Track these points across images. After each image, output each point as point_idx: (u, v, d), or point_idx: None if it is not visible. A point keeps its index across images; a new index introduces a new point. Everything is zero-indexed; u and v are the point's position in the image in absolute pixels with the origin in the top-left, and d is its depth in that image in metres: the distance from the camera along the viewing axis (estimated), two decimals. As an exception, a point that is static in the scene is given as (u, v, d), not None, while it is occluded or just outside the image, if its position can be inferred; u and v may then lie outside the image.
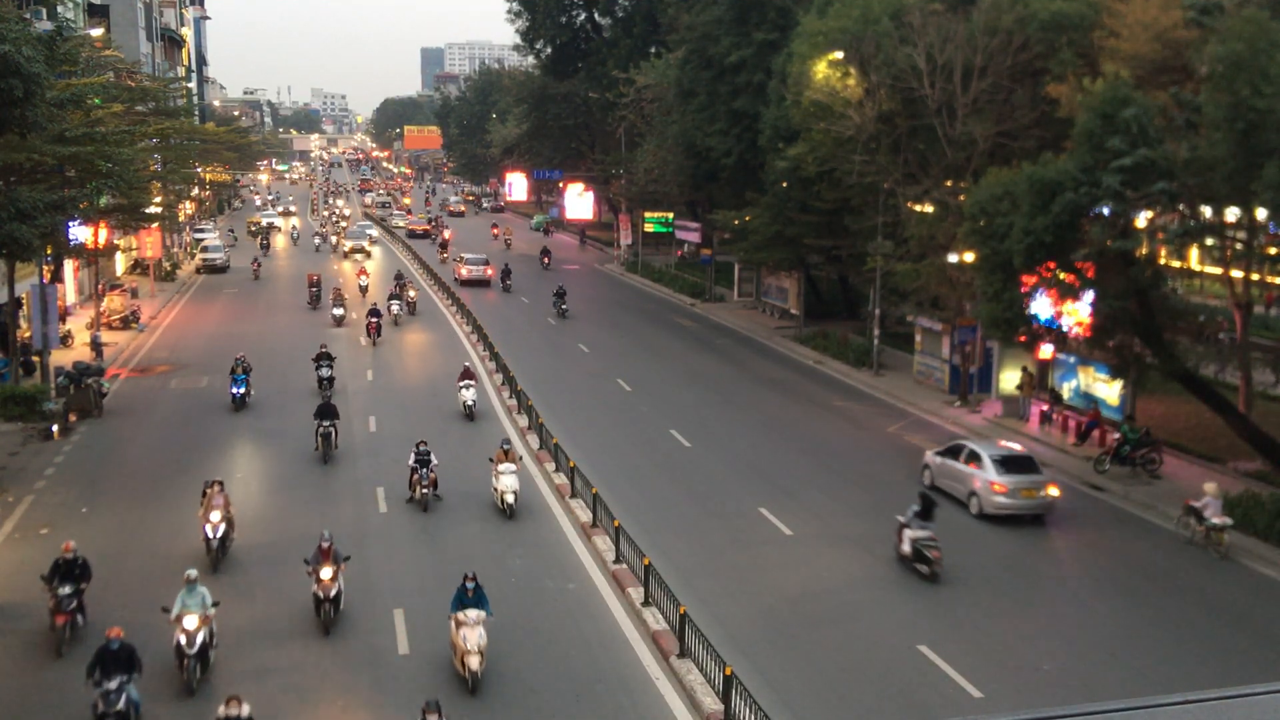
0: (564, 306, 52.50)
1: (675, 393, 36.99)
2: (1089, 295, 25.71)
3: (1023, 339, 28.89)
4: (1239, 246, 24.84)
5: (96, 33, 49.93)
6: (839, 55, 35.55)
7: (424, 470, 24.35)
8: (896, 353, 41.14)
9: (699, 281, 60.35)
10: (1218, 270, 26.89)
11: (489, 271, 63.71)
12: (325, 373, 34.55)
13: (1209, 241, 25.91)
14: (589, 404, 35.32)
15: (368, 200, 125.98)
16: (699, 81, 52.28)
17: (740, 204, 48.30)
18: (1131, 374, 27.76)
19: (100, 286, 48.54)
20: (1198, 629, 19.31)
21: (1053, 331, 28.06)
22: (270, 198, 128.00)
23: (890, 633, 18.68)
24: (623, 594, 19.85)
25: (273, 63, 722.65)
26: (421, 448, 24.64)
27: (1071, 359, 31.75)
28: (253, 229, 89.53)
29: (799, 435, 31.92)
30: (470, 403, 32.39)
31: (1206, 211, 24.90)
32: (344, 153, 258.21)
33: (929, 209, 34.74)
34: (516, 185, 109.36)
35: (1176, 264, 30.27)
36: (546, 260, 71.78)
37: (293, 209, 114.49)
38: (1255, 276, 25.68)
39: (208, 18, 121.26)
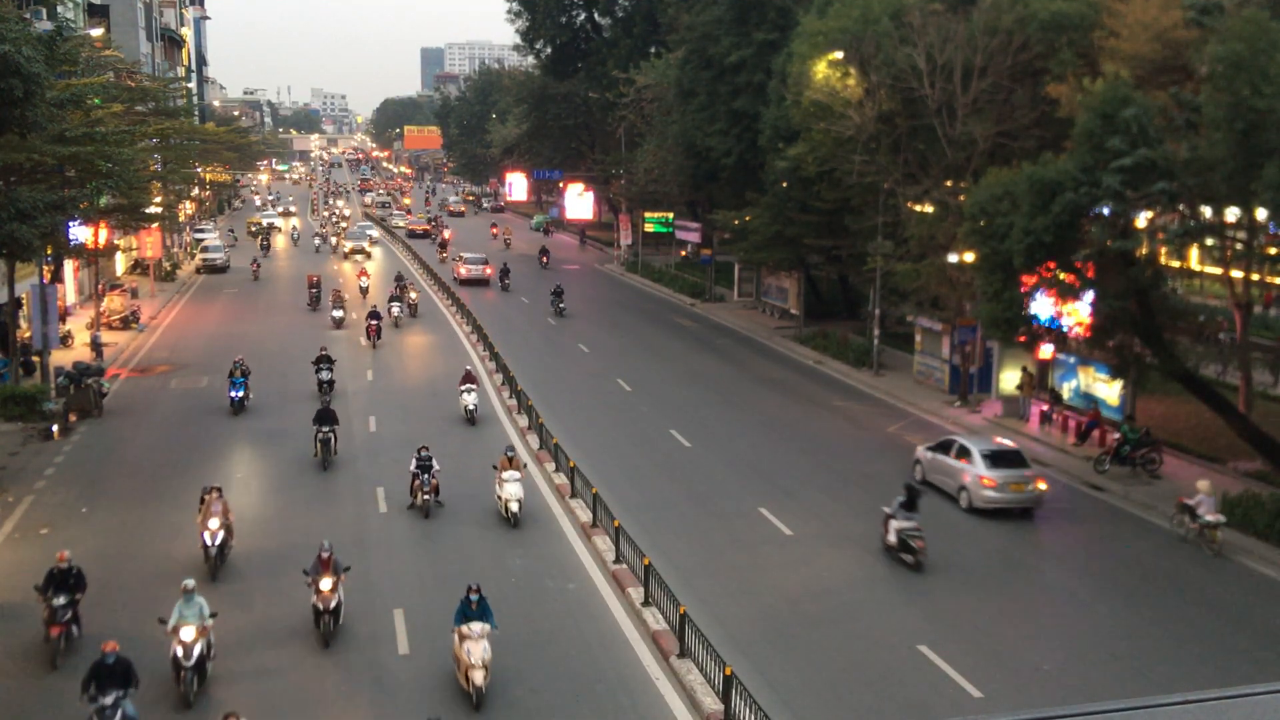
0: (561, 305, 52.58)
1: (675, 393, 36.99)
2: (1089, 295, 25.72)
3: (1023, 339, 28.90)
4: (1239, 246, 24.83)
5: (96, 33, 49.94)
6: (839, 55, 35.55)
7: (425, 476, 23.88)
8: (896, 353, 41.14)
9: (699, 281, 60.36)
10: (1218, 270, 26.88)
11: (488, 271, 63.83)
12: (325, 376, 34.23)
13: (1209, 241, 25.91)
14: (589, 404, 35.32)
15: (368, 200, 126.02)
16: (699, 81, 52.28)
17: (740, 204, 48.31)
18: (1131, 374, 27.77)
19: (100, 286, 48.54)
20: (1198, 629, 19.31)
21: (1053, 331, 28.07)
22: (270, 198, 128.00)
23: (890, 633, 18.68)
24: (623, 594, 19.84)
25: (273, 63, 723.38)
26: (423, 453, 24.18)
27: (1071, 359, 31.76)
28: (253, 229, 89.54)
29: (799, 435, 31.92)
30: (472, 407, 32.01)
31: (1206, 211, 24.90)
32: (344, 153, 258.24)
33: (929, 209, 34.74)
34: (516, 185, 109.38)
35: (1176, 264, 30.26)
36: (545, 260, 71.87)
37: (293, 209, 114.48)
38: (1255, 276, 25.67)
39: (208, 18, 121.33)
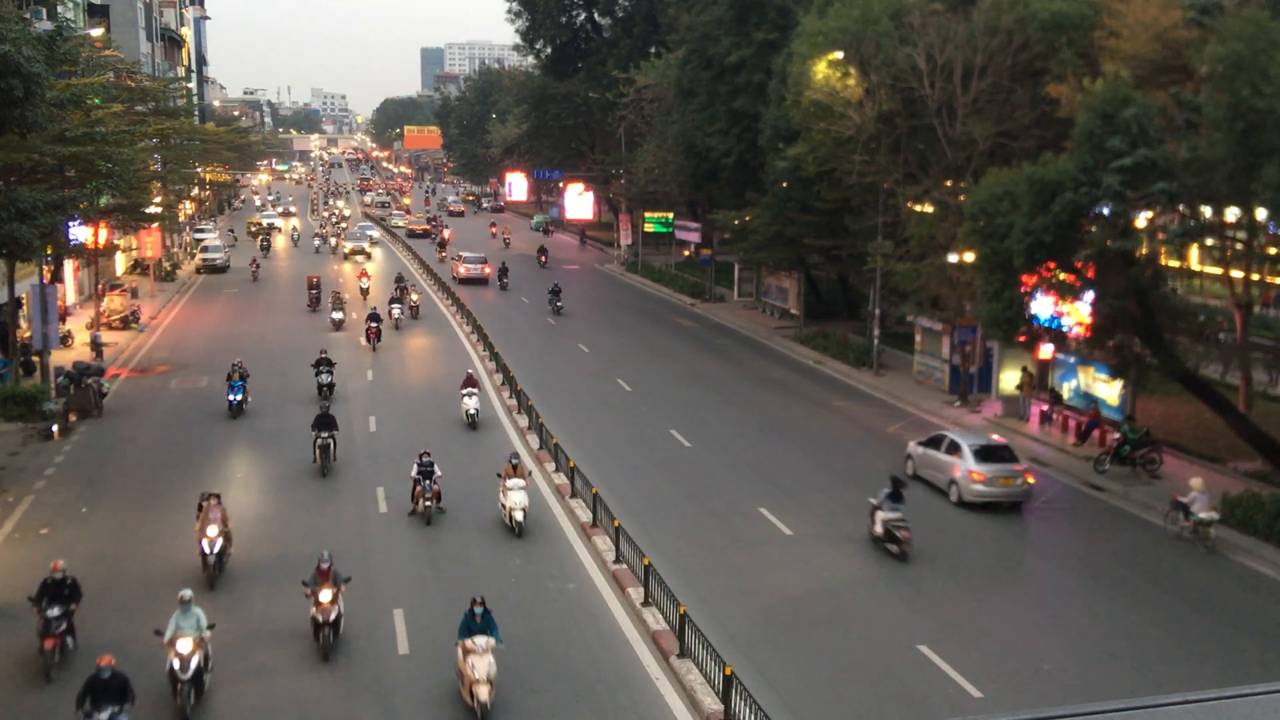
0: (559, 304, 52.62)
1: (675, 392, 36.98)
2: (1089, 295, 25.74)
3: (1023, 339, 28.90)
4: (1239, 246, 24.84)
5: (96, 33, 49.95)
6: (839, 55, 35.55)
7: (427, 482, 23.50)
8: (896, 353, 41.14)
9: (699, 281, 60.36)
10: (1218, 270, 26.89)
11: (486, 270, 63.97)
12: (325, 379, 33.91)
13: (1209, 241, 25.93)
14: (589, 404, 35.31)
15: (367, 200, 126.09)
16: (699, 81, 52.29)
17: (740, 204, 48.31)
18: (1131, 374, 27.77)
19: (100, 286, 48.54)
20: (1198, 629, 19.31)
21: (1053, 331, 28.07)
22: (270, 198, 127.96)
23: (890, 633, 18.68)
24: (623, 594, 19.84)
25: (273, 63, 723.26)
26: (425, 459, 23.72)
27: (1071, 359, 31.76)
28: (253, 229, 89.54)
29: (799, 435, 31.91)
30: (473, 411, 31.61)
31: (1206, 211, 24.91)
32: (344, 153, 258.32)
33: (929, 209, 34.74)
34: (516, 185, 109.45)
35: (1176, 264, 30.28)
36: (544, 259, 71.98)
37: (293, 210, 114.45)
38: (1255, 276, 25.67)
39: (208, 18, 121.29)
